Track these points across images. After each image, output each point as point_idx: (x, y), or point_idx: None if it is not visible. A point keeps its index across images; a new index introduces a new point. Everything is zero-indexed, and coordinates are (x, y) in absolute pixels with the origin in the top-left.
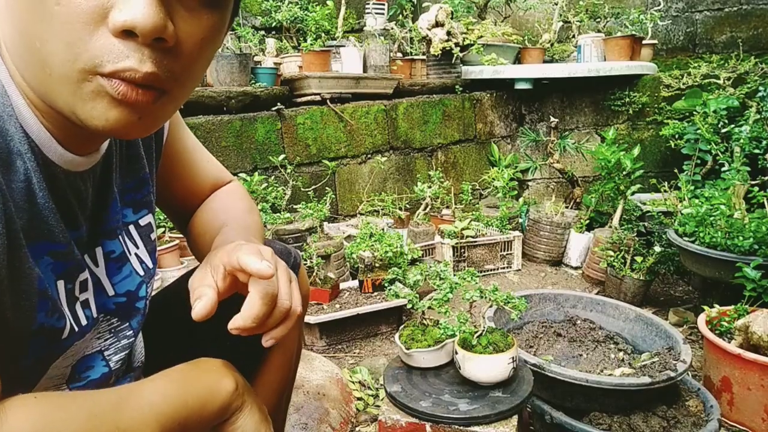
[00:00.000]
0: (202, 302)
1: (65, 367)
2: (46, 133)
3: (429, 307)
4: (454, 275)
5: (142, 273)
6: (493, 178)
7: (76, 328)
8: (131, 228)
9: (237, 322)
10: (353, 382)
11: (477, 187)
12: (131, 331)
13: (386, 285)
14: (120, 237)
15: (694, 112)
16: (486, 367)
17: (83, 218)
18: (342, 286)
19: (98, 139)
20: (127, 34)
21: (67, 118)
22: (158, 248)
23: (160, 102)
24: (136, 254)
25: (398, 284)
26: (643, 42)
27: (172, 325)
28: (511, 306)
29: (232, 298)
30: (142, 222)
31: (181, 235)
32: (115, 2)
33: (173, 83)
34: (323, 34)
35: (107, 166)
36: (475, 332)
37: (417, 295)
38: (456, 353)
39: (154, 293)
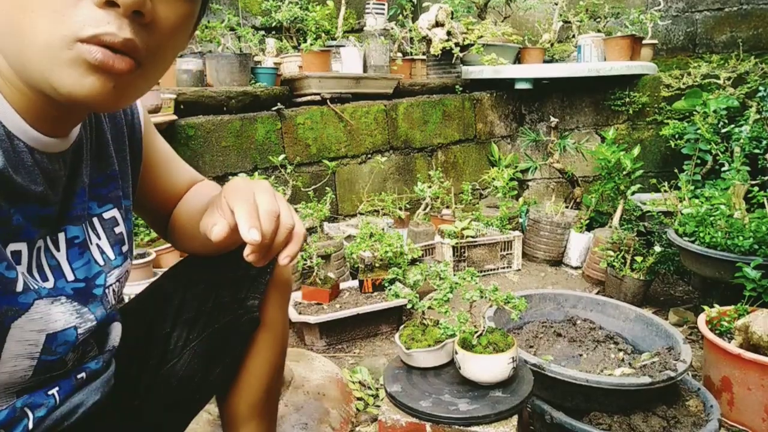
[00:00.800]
0: (218, 226)
1: (35, 332)
2: (9, 109)
3: (429, 307)
4: (454, 275)
5: (102, 263)
6: (493, 178)
7: (32, 287)
8: (95, 220)
9: (252, 236)
10: (353, 382)
11: (477, 187)
12: (92, 315)
13: (386, 285)
14: (84, 225)
15: (694, 112)
16: (486, 366)
17: (52, 199)
18: (342, 286)
19: (68, 121)
20: (108, 4)
21: (41, 91)
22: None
23: (134, 75)
24: (97, 244)
25: (398, 284)
26: (643, 42)
27: (155, 315)
28: (511, 306)
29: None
30: (106, 215)
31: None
32: None
33: (148, 56)
34: (323, 34)
35: (78, 155)
36: (475, 332)
37: (417, 295)
38: (456, 353)
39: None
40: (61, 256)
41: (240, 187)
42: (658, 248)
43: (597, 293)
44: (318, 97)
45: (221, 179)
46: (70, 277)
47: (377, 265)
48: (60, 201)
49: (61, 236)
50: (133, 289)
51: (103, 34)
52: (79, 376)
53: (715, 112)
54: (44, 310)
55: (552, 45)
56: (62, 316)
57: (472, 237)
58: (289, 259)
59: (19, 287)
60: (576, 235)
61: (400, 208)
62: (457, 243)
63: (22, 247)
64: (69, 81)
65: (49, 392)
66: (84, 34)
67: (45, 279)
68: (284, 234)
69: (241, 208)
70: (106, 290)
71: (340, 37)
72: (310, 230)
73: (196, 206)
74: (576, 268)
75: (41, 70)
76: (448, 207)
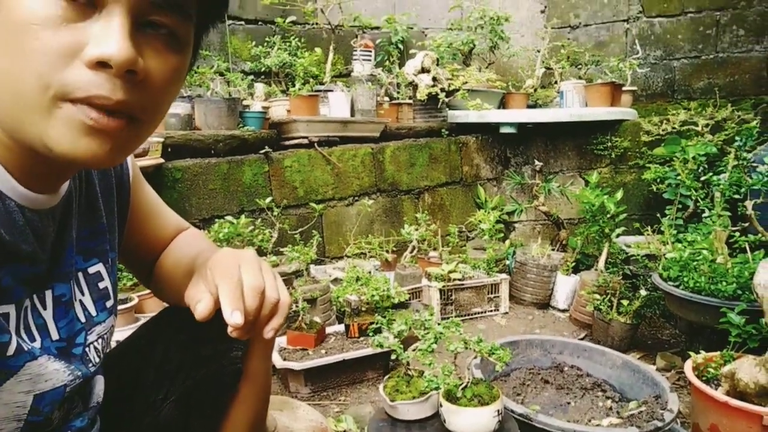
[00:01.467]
0: (202, 304)
1: (23, 393)
2: (0, 168)
3: (413, 358)
4: (439, 324)
5: (83, 320)
6: (480, 221)
7: (25, 348)
8: (80, 275)
9: (235, 319)
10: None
11: (464, 230)
12: (79, 372)
13: (371, 334)
14: (71, 282)
15: (674, 158)
16: (471, 420)
17: (41, 257)
18: (328, 330)
19: (59, 177)
20: (101, 66)
21: (35, 151)
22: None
23: (129, 130)
24: (80, 300)
25: (384, 332)
26: (623, 88)
27: (137, 366)
28: (495, 357)
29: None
30: (91, 270)
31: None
32: (90, 38)
33: (143, 112)
34: (311, 79)
35: (68, 209)
36: (460, 384)
37: (401, 346)
38: (441, 406)
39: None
40: (48, 314)
41: (225, 261)
42: (643, 292)
43: (584, 337)
44: (306, 141)
45: (208, 222)
46: (54, 336)
47: (364, 309)
48: (48, 258)
49: (48, 294)
50: (115, 335)
51: (96, 98)
52: None
53: (694, 158)
54: (36, 371)
55: (535, 90)
56: (54, 374)
57: (459, 280)
58: (274, 332)
59: (11, 350)
60: (563, 278)
61: (387, 251)
62: (444, 286)
63: (10, 309)
64: (64, 142)
65: None
66: (75, 96)
67: (33, 339)
68: (269, 308)
69: (225, 286)
70: (86, 348)
71: (328, 81)
72: (297, 274)
73: (181, 260)
74: (563, 310)
75: (36, 132)
76: (435, 249)
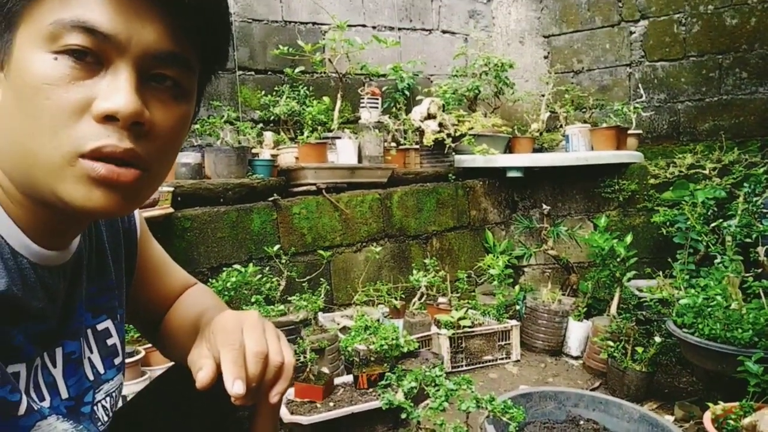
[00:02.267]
0: (203, 372)
1: None
2: (13, 226)
3: (424, 417)
4: (450, 379)
5: (91, 378)
6: (489, 265)
7: (35, 407)
8: (88, 332)
9: (237, 389)
10: None
11: (472, 275)
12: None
13: (380, 391)
14: (80, 339)
15: (683, 202)
16: None
17: (51, 314)
18: (337, 381)
19: (70, 233)
20: (108, 119)
21: (48, 206)
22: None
23: (139, 180)
24: (89, 358)
25: (394, 386)
26: (629, 132)
27: (145, 428)
28: (508, 417)
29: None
30: (100, 327)
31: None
32: (98, 93)
33: (151, 161)
34: (319, 127)
35: (78, 266)
36: None
37: (412, 404)
38: None
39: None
40: (58, 372)
41: (228, 325)
42: (658, 339)
43: (599, 386)
44: (314, 187)
45: (216, 270)
46: (64, 394)
47: (373, 358)
48: (58, 315)
49: (59, 351)
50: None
51: (104, 147)
52: None
53: (703, 203)
54: (46, 431)
55: (541, 134)
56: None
57: (469, 327)
58: (279, 396)
59: (22, 410)
60: (574, 324)
61: (396, 298)
62: (454, 334)
63: (21, 368)
64: (78, 196)
65: None
66: (85, 149)
67: (42, 398)
68: (273, 373)
69: (227, 354)
70: (95, 407)
71: (335, 129)
72: (304, 323)
73: (186, 318)
74: (576, 357)
75: (50, 188)
76: (444, 295)
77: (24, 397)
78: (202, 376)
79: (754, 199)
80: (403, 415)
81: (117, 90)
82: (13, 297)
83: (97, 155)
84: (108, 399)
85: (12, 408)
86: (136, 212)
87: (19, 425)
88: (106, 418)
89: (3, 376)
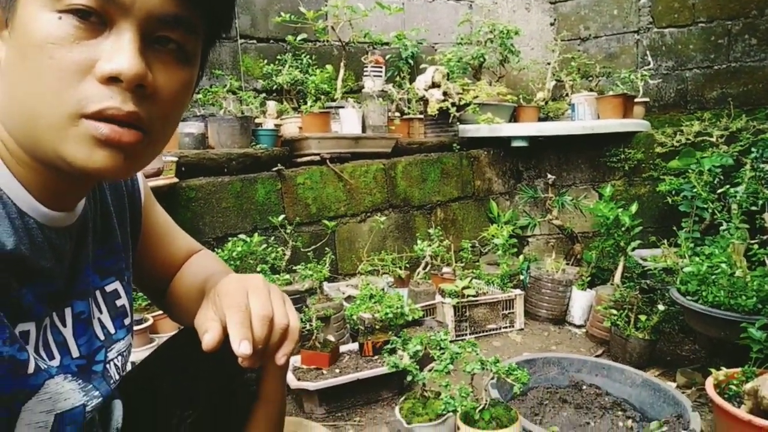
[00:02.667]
0: (209, 334)
1: (44, 413)
2: (20, 187)
3: (430, 379)
4: (455, 344)
5: (102, 338)
6: (493, 235)
7: (43, 367)
8: (97, 293)
9: (243, 349)
10: None
11: (477, 245)
12: (97, 392)
13: (385, 354)
14: (89, 299)
15: (689, 171)
16: None
17: (59, 274)
18: (342, 349)
19: (75, 195)
20: (111, 80)
21: (53, 167)
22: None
23: (142, 142)
24: (99, 319)
25: (399, 352)
26: (635, 100)
27: (153, 390)
28: (513, 378)
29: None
30: (108, 288)
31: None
32: (101, 54)
33: (153, 124)
34: (323, 96)
35: (84, 228)
36: (477, 406)
37: (417, 366)
38: (458, 428)
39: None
40: (68, 332)
41: (233, 288)
42: (661, 307)
43: (602, 354)
44: (317, 157)
45: (221, 240)
46: (75, 353)
47: (377, 326)
48: (66, 275)
49: (68, 311)
50: (131, 355)
51: (107, 109)
52: None
53: (709, 170)
54: (54, 390)
55: (546, 103)
56: (71, 394)
57: (473, 296)
58: (286, 358)
59: (31, 368)
60: (578, 293)
61: (400, 267)
62: (458, 302)
63: (31, 326)
64: (80, 156)
65: None
66: (88, 110)
67: (51, 357)
68: (278, 335)
69: (233, 316)
70: (107, 365)
71: (339, 98)
72: (310, 292)
73: (192, 283)
74: (579, 326)
75: (53, 148)
76: (448, 265)
77: (32, 357)
78: (209, 338)
79: (762, 165)
80: (409, 378)
81: (120, 51)
82: (21, 256)
83: (99, 117)
84: (119, 358)
85: (21, 366)
86: (140, 177)
87: (29, 383)
88: (117, 377)
89: (11, 335)
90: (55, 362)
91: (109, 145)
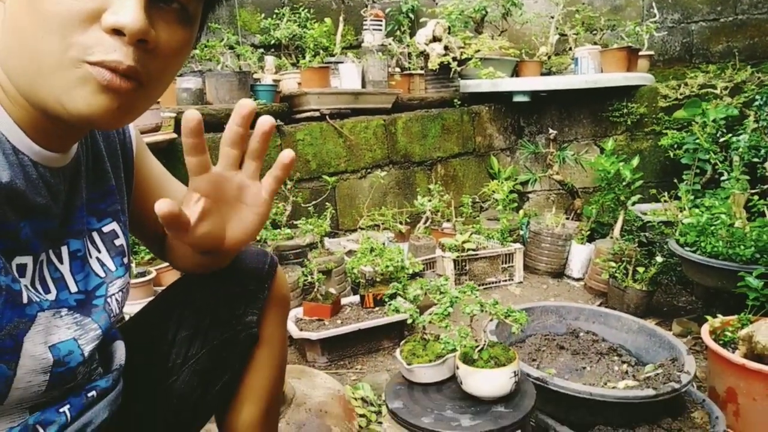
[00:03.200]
0: (161, 202)
1: (42, 344)
2: (14, 125)
3: (430, 322)
4: (455, 289)
5: (102, 275)
6: (493, 191)
7: (35, 299)
8: (94, 234)
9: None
10: (355, 399)
11: (477, 200)
12: (95, 325)
13: (387, 300)
14: (84, 239)
15: (693, 122)
16: (488, 381)
17: (54, 212)
18: (343, 301)
19: (68, 137)
20: (116, 33)
21: (49, 112)
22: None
23: (137, 93)
24: (97, 258)
25: (399, 299)
26: (640, 53)
27: (155, 333)
28: (511, 320)
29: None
30: (106, 229)
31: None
32: (109, 5)
33: (150, 78)
34: (322, 51)
35: (77, 171)
36: (476, 347)
37: (417, 310)
38: (457, 368)
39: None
40: (65, 268)
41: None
42: (659, 258)
43: (599, 305)
44: (317, 113)
45: None
46: (73, 288)
47: (378, 279)
48: (61, 215)
49: (64, 249)
50: (135, 308)
51: (109, 61)
52: (89, 394)
53: (714, 121)
54: (45, 323)
55: (549, 58)
56: (61, 327)
57: (473, 250)
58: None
59: (24, 299)
60: (577, 247)
61: (401, 222)
62: (458, 256)
63: (28, 260)
64: (79, 99)
65: (61, 410)
66: (92, 58)
67: (47, 291)
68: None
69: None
70: (108, 299)
71: (338, 53)
72: (311, 246)
73: None
74: (578, 279)
75: (52, 90)
76: (448, 220)
77: (24, 288)
78: (160, 206)
79: (765, 109)
80: (409, 321)
81: (126, 5)
82: (17, 190)
83: (100, 66)
84: (120, 294)
85: (17, 296)
86: (131, 128)
87: (26, 313)
88: (117, 310)
89: (4, 266)
90: (51, 296)
91: (109, 91)
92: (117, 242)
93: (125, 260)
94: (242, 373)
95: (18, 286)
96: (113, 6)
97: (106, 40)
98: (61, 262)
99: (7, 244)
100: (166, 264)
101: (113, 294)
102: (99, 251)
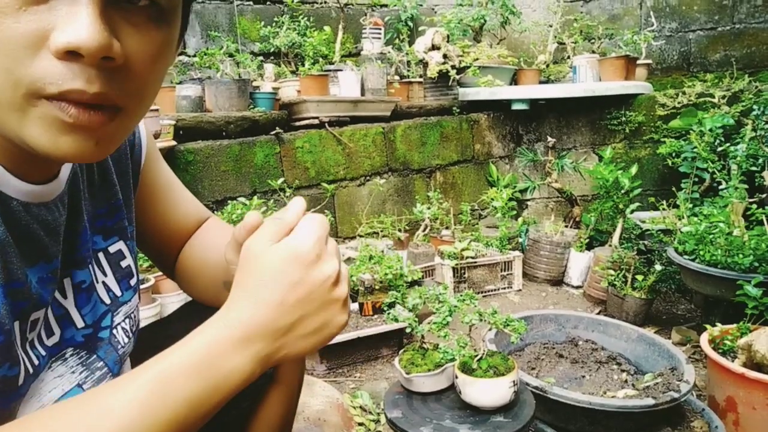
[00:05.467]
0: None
1: (42, 407)
2: None
3: (428, 331)
4: (454, 298)
5: (108, 302)
6: (492, 199)
7: (31, 370)
8: (100, 255)
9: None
10: (354, 407)
11: (476, 208)
12: (101, 362)
13: (385, 308)
14: (90, 266)
15: (690, 131)
16: (487, 391)
17: (55, 250)
18: None
19: (55, 162)
20: (71, 55)
21: (19, 146)
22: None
23: (116, 121)
24: (103, 282)
25: (398, 307)
26: (638, 62)
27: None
28: (510, 329)
29: None
30: (112, 249)
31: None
32: (55, 24)
33: (128, 99)
34: (321, 59)
35: (75, 192)
36: (475, 356)
37: (416, 319)
38: (456, 377)
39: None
40: (69, 303)
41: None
42: (658, 267)
43: (598, 313)
44: (316, 121)
45: (221, 203)
46: (80, 323)
47: (377, 287)
48: (63, 248)
49: (67, 282)
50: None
51: (69, 92)
52: None
53: (710, 130)
54: (43, 384)
55: (547, 66)
56: (67, 377)
57: (472, 258)
58: None
59: (21, 380)
60: (576, 255)
61: (400, 230)
62: (457, 264)
63: (40, 314)
64: (44, 141)
65: None
66: (46, 92)
67: (51, 334)
68: None
69: None
70: (113, 330)
71: (337, 61)
72: None
73: (209, 258)
74: (577, 287)
75: (13, 130)
76: (447, 228)
77: (21, 367)
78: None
79: (763, 123)
80: (408, 330)
81: (77, 18)
82: (12, 245)
83: (61, 100)
84: (127, 321)
85: (13, 382)
86: (142, 128)
87: (20, 393)
88: (126, 340)
89: (6, 354)
90: (55, 338)
91: (77, 129)
92: (123, 264)
93: (132, 282)
94: (252, 413)
95: (15, 370)
96: (60, 22)
97: (60, 68)
98: (65, 297)
99: (24, 305)
100: None
101: (119, 323)
102: (105, 275)
